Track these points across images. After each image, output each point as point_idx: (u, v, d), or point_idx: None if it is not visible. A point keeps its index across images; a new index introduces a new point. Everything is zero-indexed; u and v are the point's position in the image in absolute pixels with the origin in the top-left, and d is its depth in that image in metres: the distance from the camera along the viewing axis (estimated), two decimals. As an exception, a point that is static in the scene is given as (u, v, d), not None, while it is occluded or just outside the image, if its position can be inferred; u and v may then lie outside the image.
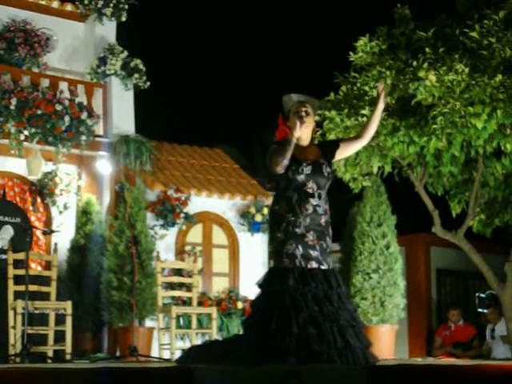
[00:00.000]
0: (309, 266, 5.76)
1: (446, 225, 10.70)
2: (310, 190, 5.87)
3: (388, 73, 9.47)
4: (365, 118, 9.41)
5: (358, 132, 6.36)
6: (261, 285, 5.87)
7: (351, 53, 9.97)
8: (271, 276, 5.88)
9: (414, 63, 9.25)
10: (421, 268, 14.66)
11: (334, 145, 6.17)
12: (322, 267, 5.82)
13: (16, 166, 11.50)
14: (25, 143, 11.27)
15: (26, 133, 11.22)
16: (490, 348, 11.93)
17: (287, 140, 5.84)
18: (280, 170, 5.79)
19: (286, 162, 5.77)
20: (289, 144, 5.79)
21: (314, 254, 5.80)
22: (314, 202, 5.87)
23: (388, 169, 10.16)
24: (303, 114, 5.95)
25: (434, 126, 9.05)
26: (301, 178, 5.85)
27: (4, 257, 8.63)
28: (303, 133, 5.94)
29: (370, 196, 12.13)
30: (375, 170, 10.10)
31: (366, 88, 9.64)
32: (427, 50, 9.23)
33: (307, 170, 5.87)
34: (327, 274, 5.82)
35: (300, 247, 5.77)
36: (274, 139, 6.16)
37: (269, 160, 5.90)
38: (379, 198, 12.17)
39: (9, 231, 9.11)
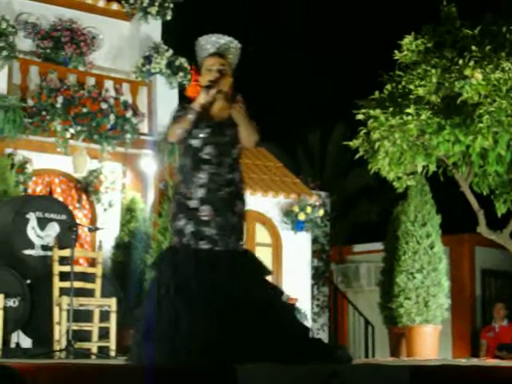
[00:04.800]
0: (199, 247, 4.88)
1: (491, 225, 10.61)
2: (207, 156, 4.96)
3: (433, 71, 9.42)
4: (410, 117, 9.37)
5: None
6: (153, 265, 5.19)
7: (396, 51, 9.93)
8: (160, 257, 5.18)
9: (460, 61, 9.18)
10: (465, 268, 14.54)
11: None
12: (217, 248, 4.90)
13: (62, 163, 11.61)
14: (71, 141, 11.38)
15: (71, 131, 11.32)
16: None
17: (189, 109, 4.99)
18: (174, 140, 5.11)
19: (183, 133, 4.99)
20: (190, 114, 4.96)
21: (207, 231, 4.89)
22: (210, 169, 4.93)
23: (433, 168, 10.10)
24: (216, 75, 5.07)
25: (480, 125, 8.98)
26: (196, 142, 4.99)
27: (50, 253, 8.71)
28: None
29: (414, 195, 12.06)
30: (420, 169, 10.04)
31: (411, 86, 9.59)
32: (473, 48, 9.16)
33: (204, 132, 4.99)
34: (222, 257, 4.90)
35: (191, 224, 4.90)
36: (186, 97, 5.33)
37: (167, 127, 5.15)
38: (424, 198, 12.10)
39: (54, 228, 9.17)
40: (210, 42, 5.22)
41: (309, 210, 12.78)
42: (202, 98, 4.98)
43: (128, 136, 11.74)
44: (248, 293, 4.91)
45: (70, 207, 11.24)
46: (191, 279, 4.81)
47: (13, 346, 8.74)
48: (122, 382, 4.08)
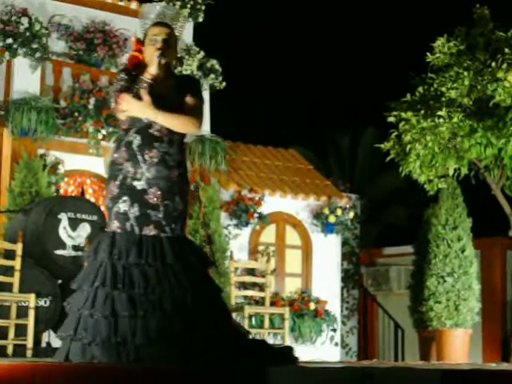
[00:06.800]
0: (145, 232, 4.57)
1: (523, 228, 10.54)
2: (157, 133, 4.58)
3: (466, 73, 9.38)
4: (441, 120, 9.34)
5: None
6: (88, 254, 4.71)
7: (428, 53, 9.90)
8: (98, 242, 4.72)
9: (493, 64, 9.14)
10: (496, 272, 14.45)
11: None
12: (164, 235, 4.58)
13: (94, 164, 11.67)
14: (102, 142, 11.45)
15: (103, 132, 11.39)
16: None
17: (141, 81, 4.55)
18: (124, 118, 4.66)
19: None
20: (143, 87, 4.54)
21: (155, 216, 4.57)
22: (161, 148, 4.58)
23: (464, 171, 10.06)
24: (161, 46, 4.65)
25: (513, 128, 8.93)
26: (143, 116, 4.60)
27: (81, 254, 8.76)
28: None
29: (445, 198, 12.00)
30: (451, 171, 10.01)
31: (443, 89, 9.56)
32: (506, 50, 9.12)
33: None
34: (169, 243, 4.58)
35: (136, 206, 4.58)
36: (124, 67, 4.82)
37: (113, 100, 4.68)
38: (455, 201, 12.03)
39: (86, 229, 9.22)
40: (153, 11, 4.87)
41: (339, 212, 12.76)
42: (153, 69, 4.56)
43: (159, 137, 11.79)
44: (194, 284, 4.55)
45: (102, 208, 11.32)
46: (133, 267, 4.52)
47: (44, 345, 8.81)
48: (145, 382, 4.10)
